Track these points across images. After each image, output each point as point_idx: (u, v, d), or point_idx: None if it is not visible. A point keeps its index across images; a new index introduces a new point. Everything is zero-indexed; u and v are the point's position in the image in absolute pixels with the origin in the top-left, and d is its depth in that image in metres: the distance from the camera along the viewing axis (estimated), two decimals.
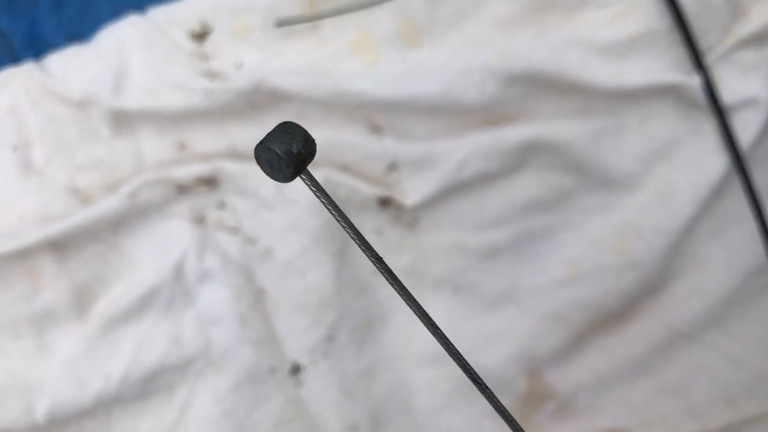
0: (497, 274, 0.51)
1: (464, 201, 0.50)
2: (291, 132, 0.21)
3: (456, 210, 0.50)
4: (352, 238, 0.23)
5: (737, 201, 0.49)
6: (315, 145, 0.21)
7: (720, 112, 0.47)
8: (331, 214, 0.22)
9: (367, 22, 0.49)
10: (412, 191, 0.49)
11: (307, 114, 0.49)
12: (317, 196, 0.22)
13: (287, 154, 0.20)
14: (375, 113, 0.49)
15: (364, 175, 0.50)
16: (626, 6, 0.48)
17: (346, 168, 0.50)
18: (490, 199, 0.50)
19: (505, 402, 0.51)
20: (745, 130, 0.48)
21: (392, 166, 0.50)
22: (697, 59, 0.47)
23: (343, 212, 0.23)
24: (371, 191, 0.49)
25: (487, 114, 0.49)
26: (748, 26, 0.47)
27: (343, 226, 0.23)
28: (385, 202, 0.50)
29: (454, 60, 0.48)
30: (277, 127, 0.21)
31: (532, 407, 0.51)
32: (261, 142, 0.21)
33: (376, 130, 0.49)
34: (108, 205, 0.49)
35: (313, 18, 0.49)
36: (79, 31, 0.51)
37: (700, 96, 0.48)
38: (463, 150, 0.49)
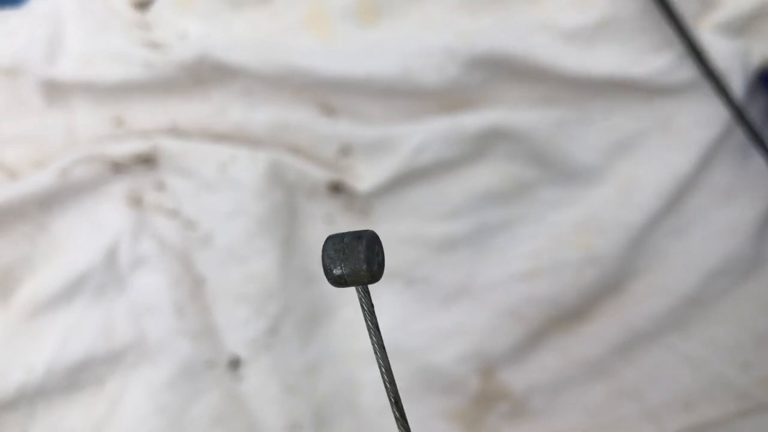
0: (453, 268, 0.48)
1: (421, 189, 0.48)
2: (378, 249, 0.21)
3: (412, 198, 0.48)
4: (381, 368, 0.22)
5: (702, 198, 0.48)
6: (382, 272, 0.21)
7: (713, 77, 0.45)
8: (371, 337, 0.22)
9: None
10: (365, 177, 0.47)
11: (254, 91, 0.46)
12: (364, 314, 0.22)
13: (368, 262, 0.20)
14: (328, 93, 0.46)
15: (315, 158, 0.47)
16: None
17: (295, 150, 0.47)
18: (448, 189, 0.48)
19: (457, 402, 0.50)
20: (714, 124, 0.46)
21: (345, 150, 0.47)
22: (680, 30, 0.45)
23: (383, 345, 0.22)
24: (322, 175, 0.47)
25: (447, 98, 0.47)
26: (719, 16, 0.46)
27: (377, 355, 0.22)
28: (336, 188, 0.47)
29: (413, 40, 0.46)
30: (365, 232, 0.21)
31: (484, 408, 0.49)
32: (351, 234, 0.21)
33: (328, 110, 0.47)
34: (37, 181, 0.45)
35: None
36: None
37: (666, 84, 0.46)
38: (420, 135, 0.46)
